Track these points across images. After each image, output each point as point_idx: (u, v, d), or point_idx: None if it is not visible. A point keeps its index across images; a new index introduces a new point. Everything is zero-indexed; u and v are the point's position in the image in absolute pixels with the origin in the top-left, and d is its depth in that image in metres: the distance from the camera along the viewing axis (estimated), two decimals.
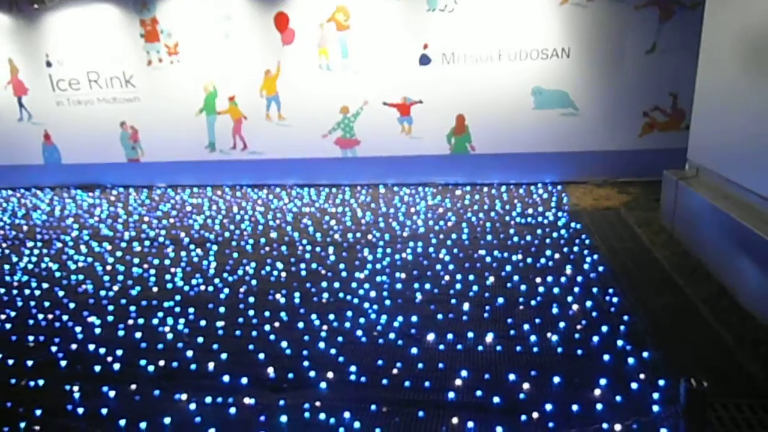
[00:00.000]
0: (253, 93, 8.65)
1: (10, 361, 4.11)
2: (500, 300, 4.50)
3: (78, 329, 4.55)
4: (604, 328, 3.93)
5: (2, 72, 9.41)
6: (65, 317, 4.80)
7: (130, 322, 4.63)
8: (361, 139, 8.53)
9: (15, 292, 5.47)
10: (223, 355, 3.96)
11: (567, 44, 7.48)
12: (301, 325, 4.34)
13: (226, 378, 3.68)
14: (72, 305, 5.05)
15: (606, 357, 3.59)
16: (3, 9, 9.03)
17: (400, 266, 5.42)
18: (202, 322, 4.51)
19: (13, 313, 4.97)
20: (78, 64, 9.11)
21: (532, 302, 4.44)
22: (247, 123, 8.86)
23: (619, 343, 3.74)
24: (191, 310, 4.75)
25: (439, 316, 4.30)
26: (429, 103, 8.11)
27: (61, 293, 5.36)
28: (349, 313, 4.46)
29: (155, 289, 5.31)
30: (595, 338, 3.82)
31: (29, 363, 4.06)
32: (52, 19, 8.94)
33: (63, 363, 4.04)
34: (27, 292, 5.45)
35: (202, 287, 5.26)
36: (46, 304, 5.12)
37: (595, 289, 4.58)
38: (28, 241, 7.11)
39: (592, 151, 7.83)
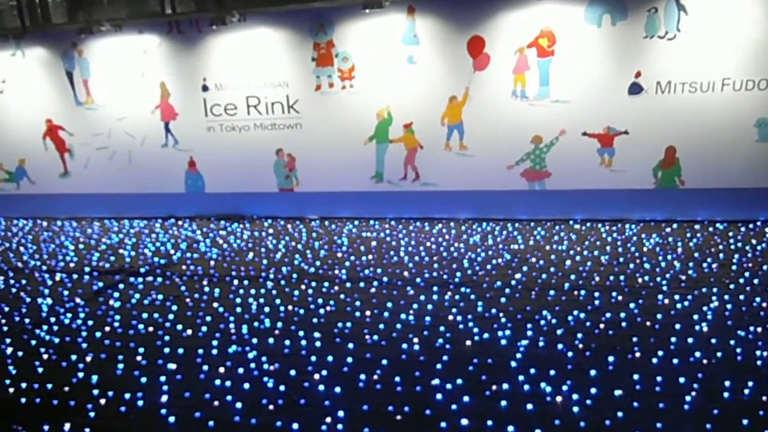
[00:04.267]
0: (432, 121, 8.11)
1: None
2: None
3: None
4: None
5: (152, 96, 8.89)
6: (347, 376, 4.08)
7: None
8: (552, 171, 7.95)
9: (271, 341, 4.75)
10: None
11: None
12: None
13: None
14: (349, 359, 4.35)
15: None
16: (161, 32, 8.56)
17: (697, 320, 4.74)
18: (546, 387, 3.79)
19: (276, 365, 4.28)
20: (237, 88, 8.60)
21: None
22: (422, 152, 8.29)
23: None
24: (534, 371, 4.03)
25: None
26: (635, 134, 7.55)
27: (318, 344, 4.64)
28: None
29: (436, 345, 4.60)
30: None
31: None
32: (214, 42, 8.46)
33: None
34: (276, 340, 4.74)
35: (493, 344, 4.55)
36: (313, 358, 4.39)
37: None
38: (226, 277, 6.41)
39: None
